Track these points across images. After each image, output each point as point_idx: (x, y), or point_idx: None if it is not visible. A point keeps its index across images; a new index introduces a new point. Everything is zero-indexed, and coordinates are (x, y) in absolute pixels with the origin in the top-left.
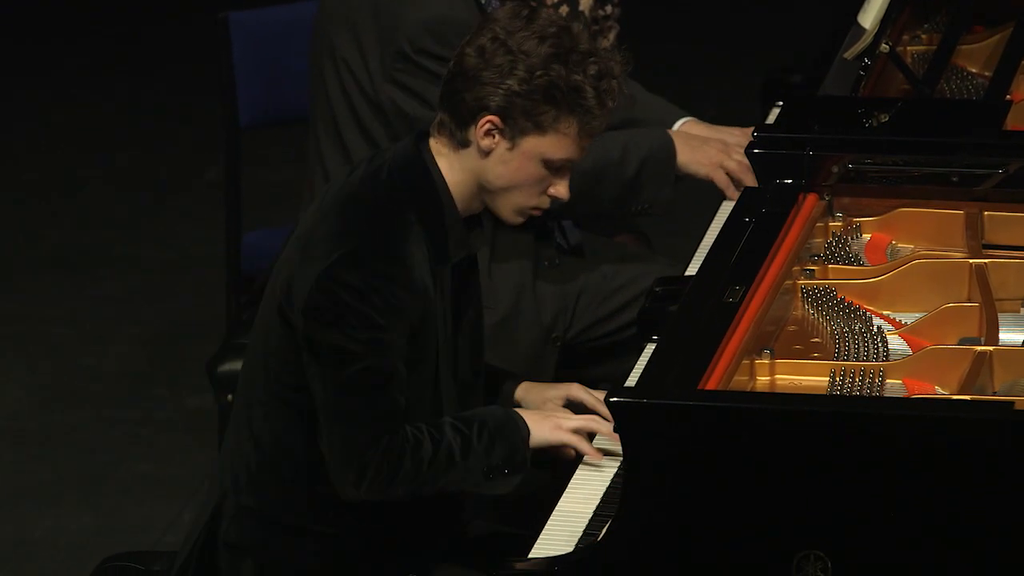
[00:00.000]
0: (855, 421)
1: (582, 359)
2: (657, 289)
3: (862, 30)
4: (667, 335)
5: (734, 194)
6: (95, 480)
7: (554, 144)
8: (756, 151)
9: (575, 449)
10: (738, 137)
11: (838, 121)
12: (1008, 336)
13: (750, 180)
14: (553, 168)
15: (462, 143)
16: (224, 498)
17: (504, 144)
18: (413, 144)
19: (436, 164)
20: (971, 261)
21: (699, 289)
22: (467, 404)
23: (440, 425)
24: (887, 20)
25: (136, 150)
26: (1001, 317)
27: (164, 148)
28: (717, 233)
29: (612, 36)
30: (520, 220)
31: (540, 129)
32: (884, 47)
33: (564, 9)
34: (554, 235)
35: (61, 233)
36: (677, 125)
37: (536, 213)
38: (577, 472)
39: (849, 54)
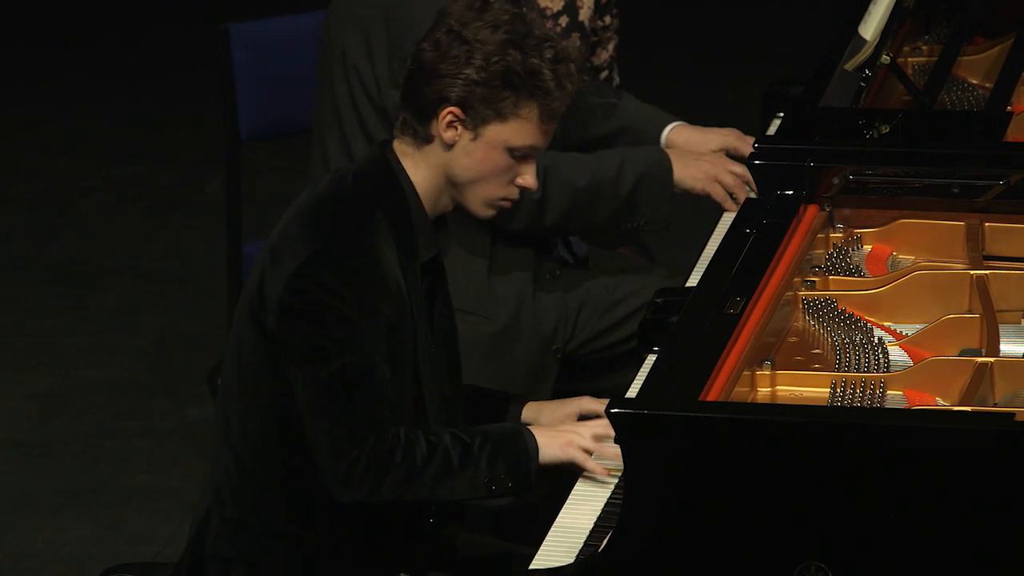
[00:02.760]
0: (856, 433)
1: (583, 371)
2: (658, 300)
3: (863, 41)
4: (668, 346)
5: (732, 207)
6: (96, 491)
7: (517, 131)
8: (757, 162)
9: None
10: (729, 137)
11: (839, 132)
12: (1009, 347)
13: (743, 193)
14: (518, 156)
15: (425, 139)
16: (208, 511)
17: (467, 135)
18: (378, 148)
19: (401, 165)
20: (972, 272)
21: (700, 300)
22: (450, 418)
23: (440, 433)
24: (888, 31)
25: (137, 161)
26: (1002, 328)
27: (165, 159)
28: (718, 244)
29: (611, 47)
30: (491, 212)
31: (501, 116)
32: (885, 58)
33: (564, 19)
34: (558, 247)
35: (61, 244)
36: (667, 130)
37: (506, 204)
38: (577, 484)
39: (850, 65)
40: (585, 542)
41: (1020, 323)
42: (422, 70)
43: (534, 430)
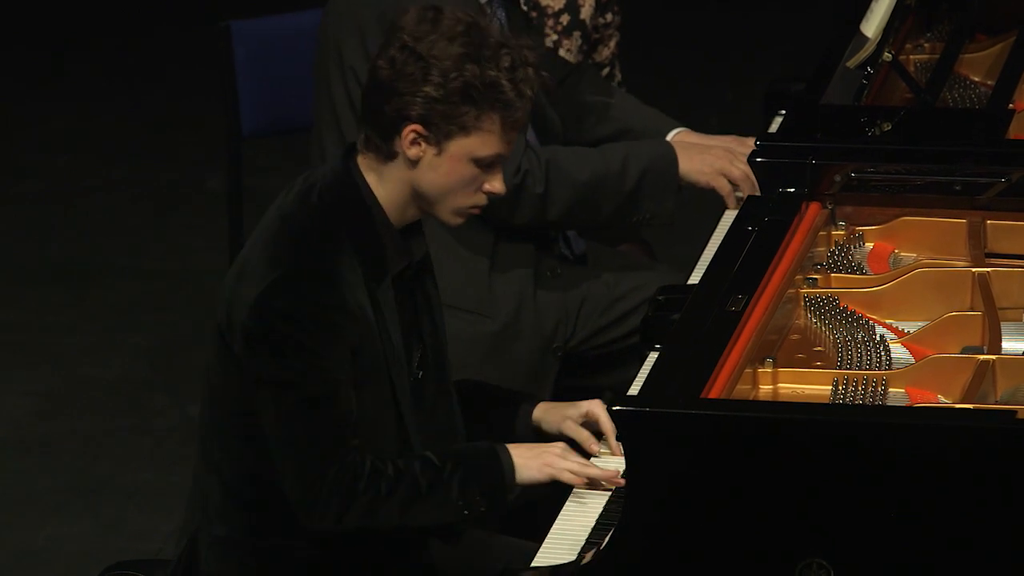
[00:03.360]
0: (857, 430)
1: (585, 368)
2: (660, 298)
3: (865, 39)
4: (670, 344)
5: (734, 204)
6: (97, 489)
7: (480, 142)
8: (759, 160)
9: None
10: (733, 145)
11: (841, 130)
12: (1011, 345)
13: (749, 189)
14: (484, 165)
15: (389, 156)
16: (198, 529)
17: (431, 151)
18: (342, 161)
19: (365, 180)
20: (974, 270)
21: (702, 298)
22: (441, 442)
23: (411, 458)
24: (890, 29)
25: (138, 159)
26: (1004, 326)
27: (166, 157)
28: (720, 242)
29: (612, 44)
30: (460, 220)
31: (464, 130)
32: (887, 56)
33: (565, 18)
34: (558, 244)
35: (62, 243)
36: (669, 136)
37: (475, 211)
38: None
39: (852, 63)
40: (587, 539)
41: (1022, 320)
42: (379, 88)
43: (512, 449)
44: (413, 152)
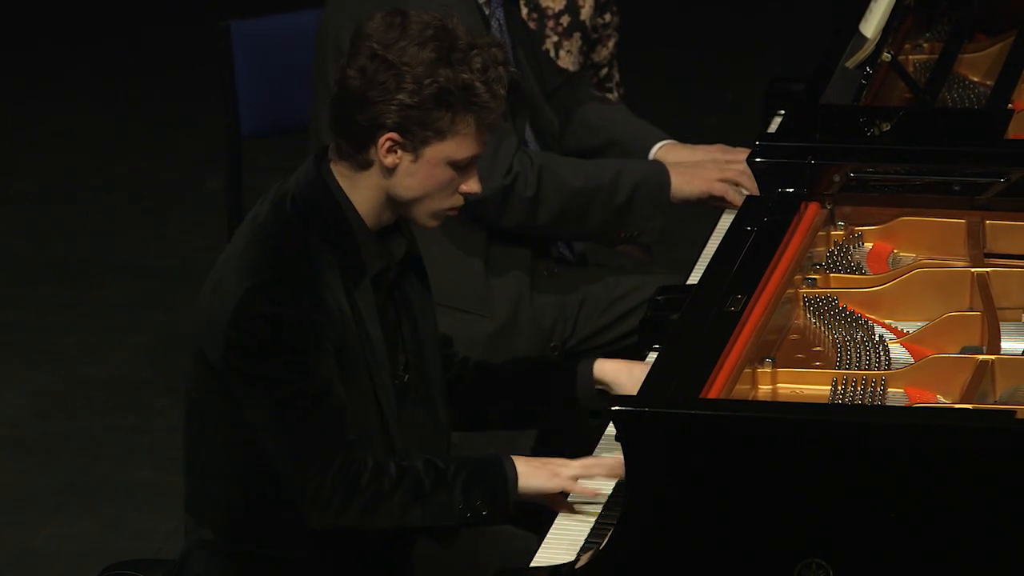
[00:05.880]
0: (857, 430)
1: None
2: (659, 298)
3: (864, 39)
4: (669, 344)
5: (738, 199)
6: (96, 488)
7: (456, 145)
8: (758, 160)
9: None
10: (719, 155)
11: (840, 130)
12: (1010, 345)
13: (748, 183)
14: (460, 168)
15: (363, 165)
16: (186, 536)
17: (408, 157)
18: (314, 167)
19: (339, 185)
20: (973, 270)
21: (701, 298)
22: (426, 446)
23: (413, 459)
24: (889, 29)
25: (137, 158)
26: (1003, 326)
27: (165, 156)
28: (719, 242)
29: (611, 44)
30: (436, 223)
31: (440, 135)
32: (886, 56)
33: (566, 19)
34: (556, 246)
35: (62, 241)
36: (655, 148)
37: (452, 213)
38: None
39: (851, 63)
40: (587, 539)
41: (1021, 320)
42: (350, 98)
43: (517, 460)
44: (390, 160)
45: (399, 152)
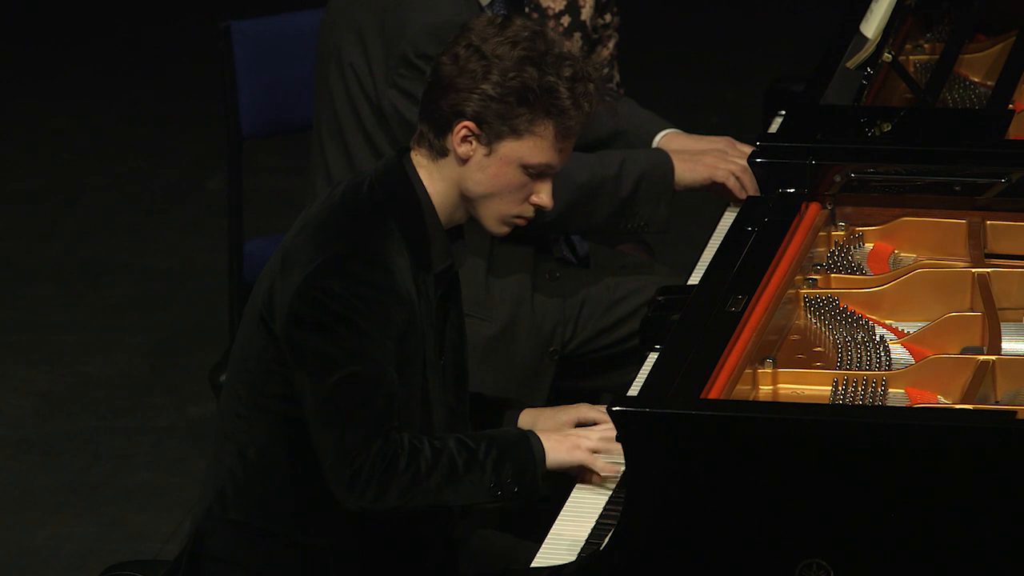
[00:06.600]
0: (857, 430)
1: (585, 369)
2: (660, 298)
3: (864, 39)
4: (670, 344)
5: (740, 192)
6: (97, 488)
7: (531, 148)
8: (759, 160)
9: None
10: (726, 147)
11: (841, 130)
12: (1011, 345)
13: (748, 180)
14: (533, 174)
15: (441, 152)
16: (209, 512)
17: (481, 150)
18: (395, 157)
19: (418, 175)
20: (974, 270)
21: (702, 298)
22: (455, 428)
23: (444, 438)
24: (890, 29)
25: (138, 159)
26: (1004, 326)
27: (166, 157)
28: (720, 242)
29: (611, 45)
30: (505, 230)
31: (516, 133)
32: (887, 56)
33: (566, 19)
34: (560, 247)
35: (63, 241)
36: (659, 136)
37: (520, 222)
38: (577, 484)
39: (852, 63)
40: (587, 540)
41: (1022, 321)
42: (440, 83)
43: (540, 434)
44: (463, 150)
45: (473, 143)
